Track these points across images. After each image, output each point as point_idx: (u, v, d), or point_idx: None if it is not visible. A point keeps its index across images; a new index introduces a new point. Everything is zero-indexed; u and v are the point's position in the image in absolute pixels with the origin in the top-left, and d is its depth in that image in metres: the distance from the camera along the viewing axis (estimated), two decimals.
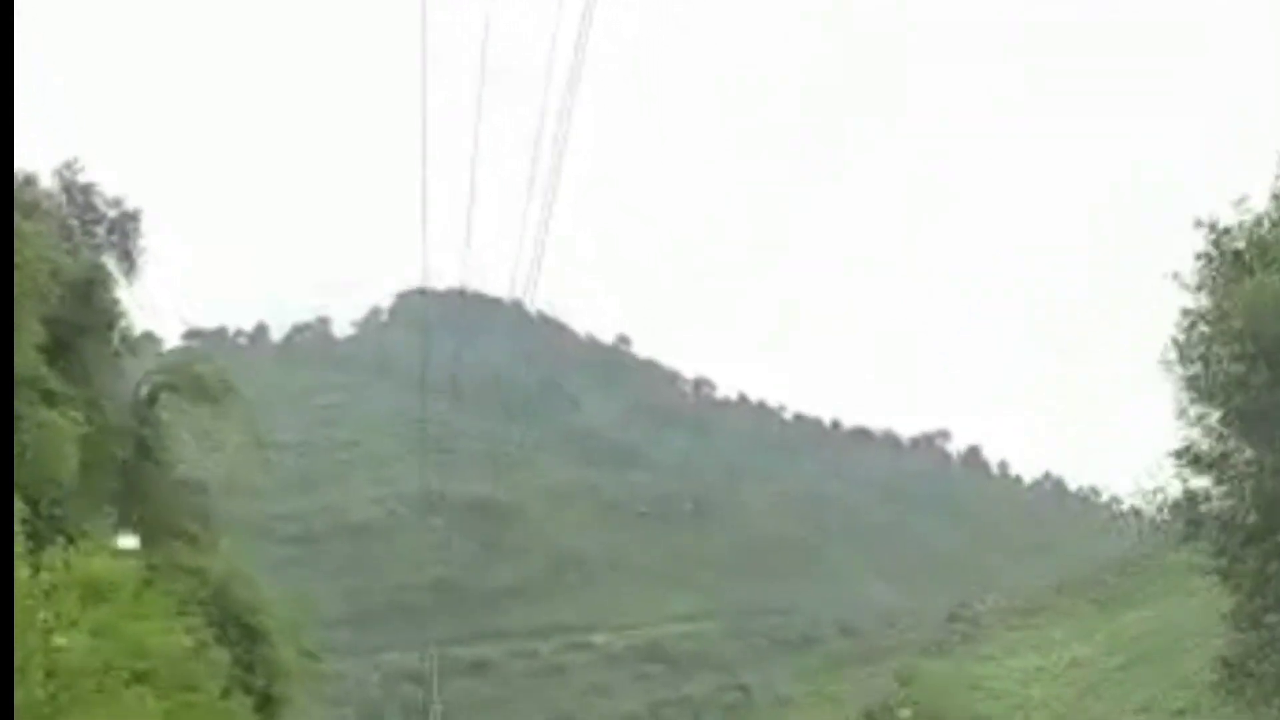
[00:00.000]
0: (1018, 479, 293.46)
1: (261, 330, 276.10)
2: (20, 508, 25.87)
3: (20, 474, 28.01)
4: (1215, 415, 40.02)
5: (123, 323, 45.58)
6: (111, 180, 47.05)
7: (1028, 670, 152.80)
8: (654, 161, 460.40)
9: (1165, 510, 42.22)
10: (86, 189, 45.64)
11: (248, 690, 42.62)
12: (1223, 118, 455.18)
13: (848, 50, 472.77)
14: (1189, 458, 40.81)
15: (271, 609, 51.14)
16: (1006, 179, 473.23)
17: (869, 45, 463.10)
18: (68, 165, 45.06)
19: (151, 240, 46.73)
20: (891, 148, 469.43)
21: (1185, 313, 40.08)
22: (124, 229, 46.19)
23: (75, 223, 44.95)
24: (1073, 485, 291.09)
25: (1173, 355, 40.22)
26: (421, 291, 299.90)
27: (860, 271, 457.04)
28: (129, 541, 35.20)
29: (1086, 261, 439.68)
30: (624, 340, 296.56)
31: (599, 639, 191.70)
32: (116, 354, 45.90)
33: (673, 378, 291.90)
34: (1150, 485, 41.46)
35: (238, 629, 44.61)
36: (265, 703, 45.00)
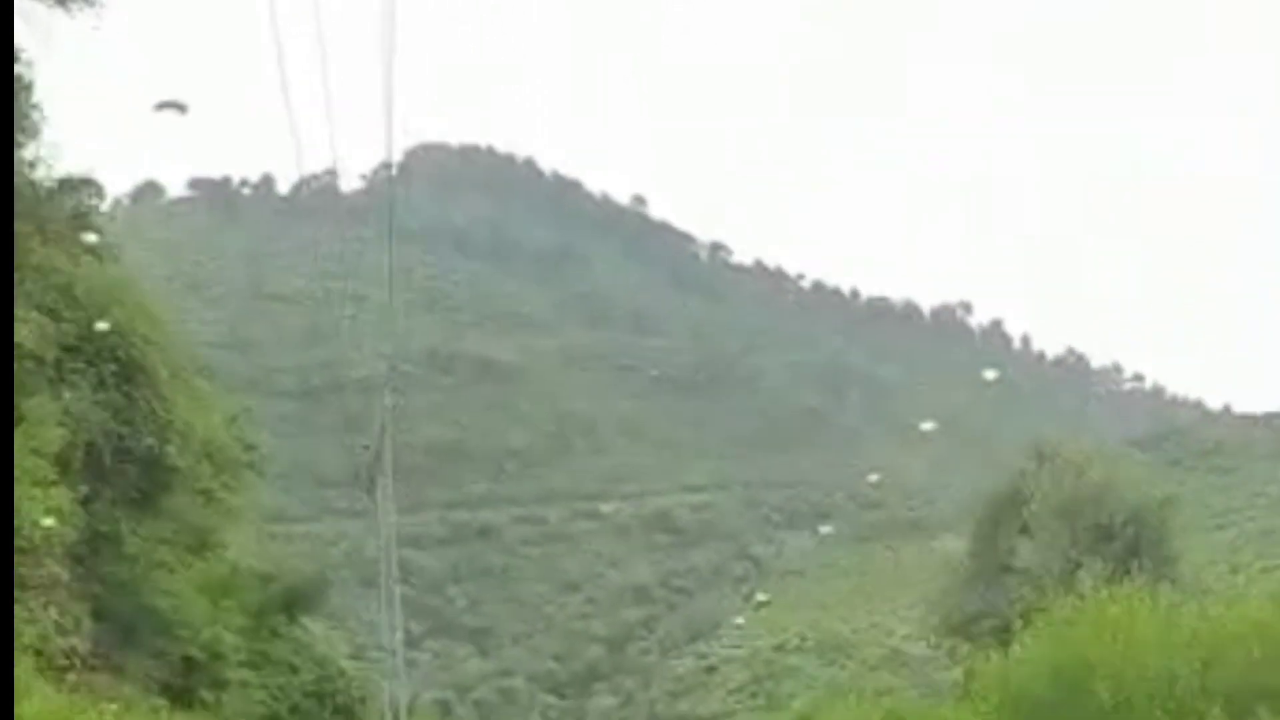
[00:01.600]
0: (1040, 354, 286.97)
1: (267, 181, 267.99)
2: None
3: None
4: None
5: None
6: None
7: None
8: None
9: None
10: None
11: (121, 448, 33.05)
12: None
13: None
14: None
15: (181, 359, 41.15)
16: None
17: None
18: None
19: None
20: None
21: None
22: None
23: None
24: (1095, 363, 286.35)
25: None
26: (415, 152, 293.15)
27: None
28: None
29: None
30: (639, 201, 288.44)
31: (607, 507, 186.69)
32: None
33: (689, 240, 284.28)
34: None
35: (115, 367, 34.06)
36: (151, 471, 34.92)
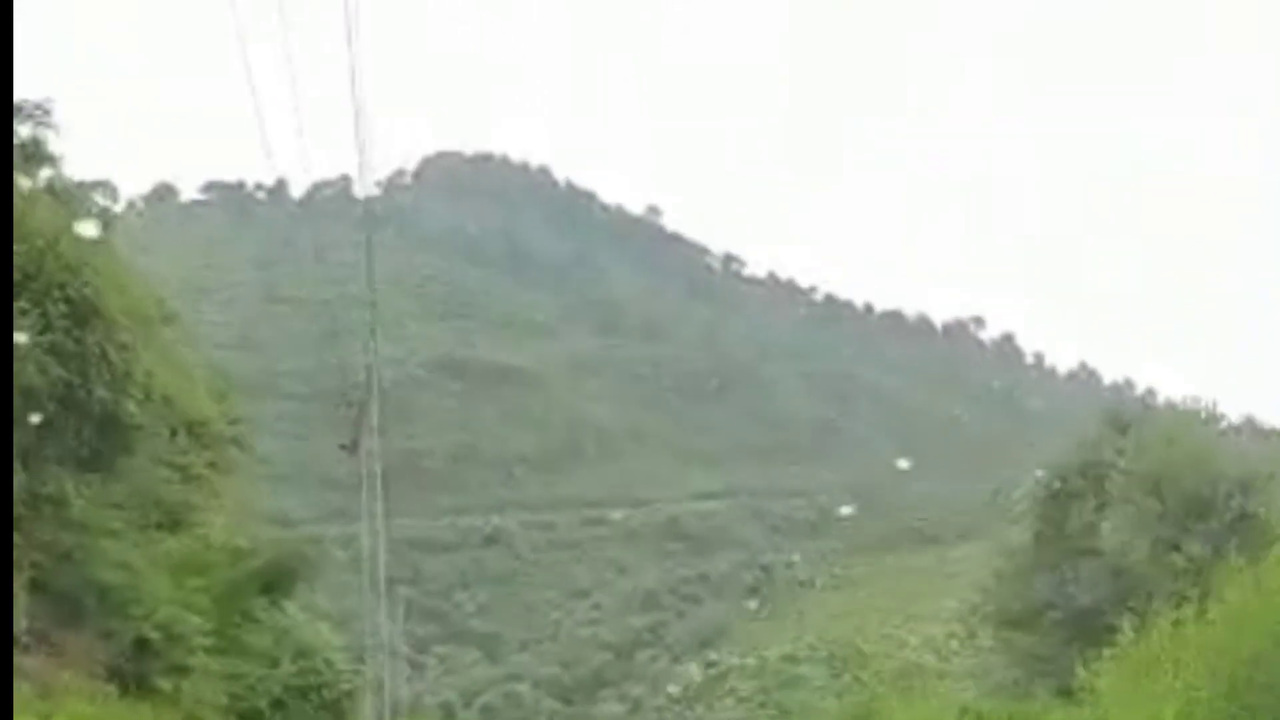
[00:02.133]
0: (1052, 369, 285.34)
1: (281, 185, 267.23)
2: None
3: None
4: None
5: None
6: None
7: None
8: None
9: None
10: None
11: (69, 399, 29.29)
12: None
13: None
14: None
15: (150, 309, 36.99)
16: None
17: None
18: None
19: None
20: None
21: None
22: None
23: None
24: (1107, 379, 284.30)
25: None
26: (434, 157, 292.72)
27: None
28: None
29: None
30: (653, 211, 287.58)
31: (617, 514, 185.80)
32: None
33: (701, 252, 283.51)
34: None
35: (65, 308, 29.92)
36: (105, 427, 31.23)
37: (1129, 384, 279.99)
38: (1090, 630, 42.45)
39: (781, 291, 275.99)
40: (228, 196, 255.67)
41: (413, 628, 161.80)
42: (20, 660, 23.55)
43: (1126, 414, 60.58)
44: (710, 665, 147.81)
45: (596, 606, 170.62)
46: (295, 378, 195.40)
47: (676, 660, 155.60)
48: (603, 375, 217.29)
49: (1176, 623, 28.24)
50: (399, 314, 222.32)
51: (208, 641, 34.82)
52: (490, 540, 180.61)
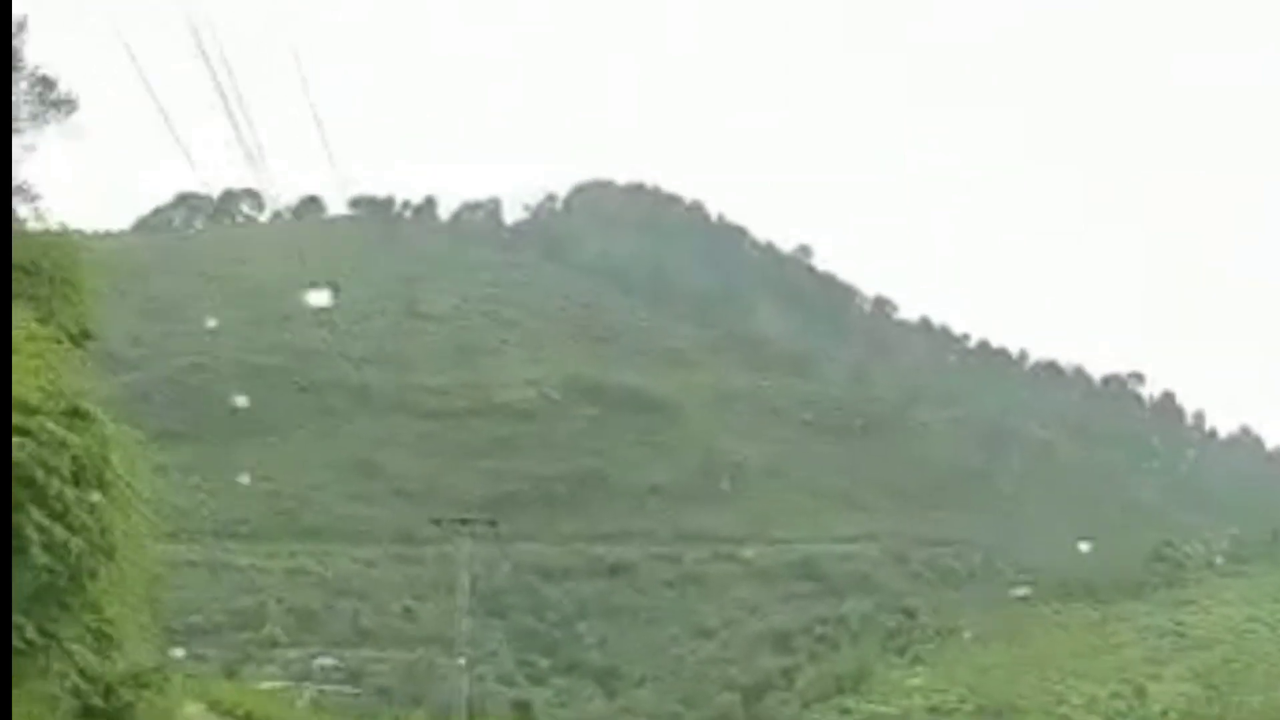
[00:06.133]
0: (1213, 431, 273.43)
1: (429, 204, 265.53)
2: None
3: None
4: None
5: None
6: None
7: (1240, 620, 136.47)
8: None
9: None
10: None
11: None
12: None
13: None
14: None
15: None
16: None
17: None
18: None
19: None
20: None
21: None
22: None
23: None
24: (1271, 444, 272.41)
25: None
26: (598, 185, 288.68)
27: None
28: None
29: None
30: (805, 251, 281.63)
31: (749, 552, 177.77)
32: None
33: (852, 293, 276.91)
34: None
35: None
36: None
37: None
38: None
39: (934, 336, 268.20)
40: (374, 212, 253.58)
41: (532, 657, 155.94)
42: None
43: None
44: (846, 712, 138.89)
45: (724, 645, 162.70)
46: (433, 395, 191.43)
47: (808, 706, 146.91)
48: (744, 409, 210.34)
49: None
50: (539, 336, 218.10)
51: None
52: (615, 571, 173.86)
